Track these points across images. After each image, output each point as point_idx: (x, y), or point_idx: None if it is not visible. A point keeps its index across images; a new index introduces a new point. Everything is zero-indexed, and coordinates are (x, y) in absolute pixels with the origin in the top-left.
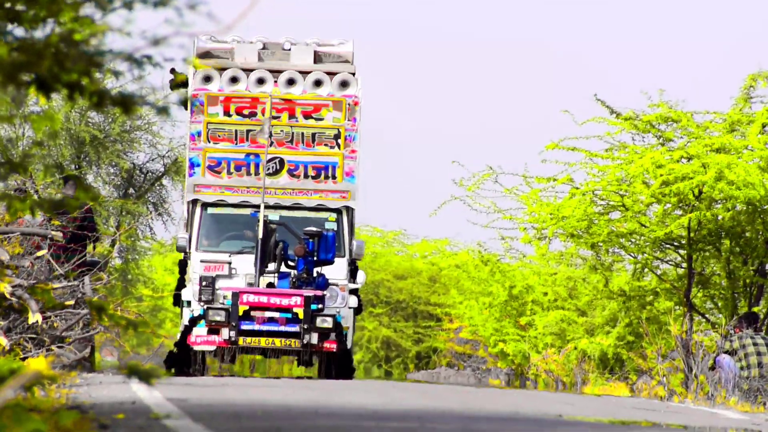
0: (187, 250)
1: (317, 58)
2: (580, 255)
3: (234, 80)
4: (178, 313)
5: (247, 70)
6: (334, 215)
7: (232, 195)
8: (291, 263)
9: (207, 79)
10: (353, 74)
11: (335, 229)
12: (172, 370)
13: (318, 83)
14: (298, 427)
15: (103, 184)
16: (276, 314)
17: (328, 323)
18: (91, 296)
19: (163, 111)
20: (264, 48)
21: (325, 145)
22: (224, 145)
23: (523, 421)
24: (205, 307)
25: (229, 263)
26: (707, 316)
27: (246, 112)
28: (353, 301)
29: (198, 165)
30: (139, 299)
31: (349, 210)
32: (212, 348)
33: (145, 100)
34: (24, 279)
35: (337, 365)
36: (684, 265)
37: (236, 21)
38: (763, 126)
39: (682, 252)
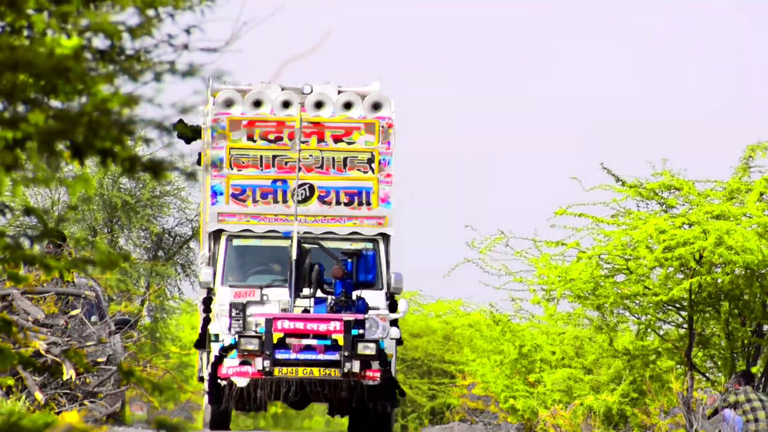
0: (212, 286)
1: (347, 106)
2: (587, 315)
3: (257, 104)
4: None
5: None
6: (369, 244)
7: (259, 224)
8: (328, 287)
9: (228, 103)
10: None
11: (383, 256)
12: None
13: (348, 105)
14: None
15: (133, 247)
16: (314, 341)
17: (371, 350)
18: (122, 354)
19: (191, 176)
20: (283, 90)
21: (358, 169)
22: (249, 171)
23: None
24: (237, 336)
25: (261, 288)
26: (707, 374)
27: (271, 136)
28: (395, 332)
29: (221, 193)
30: (167, 356)
31: (386, 238)
32: (245, 381)
33: (174, 165)
34: (59, 337)
35: (382, 396)
36: (685, 326)
37: (267, 85)
38: (761, 194)
39: (683, 313)
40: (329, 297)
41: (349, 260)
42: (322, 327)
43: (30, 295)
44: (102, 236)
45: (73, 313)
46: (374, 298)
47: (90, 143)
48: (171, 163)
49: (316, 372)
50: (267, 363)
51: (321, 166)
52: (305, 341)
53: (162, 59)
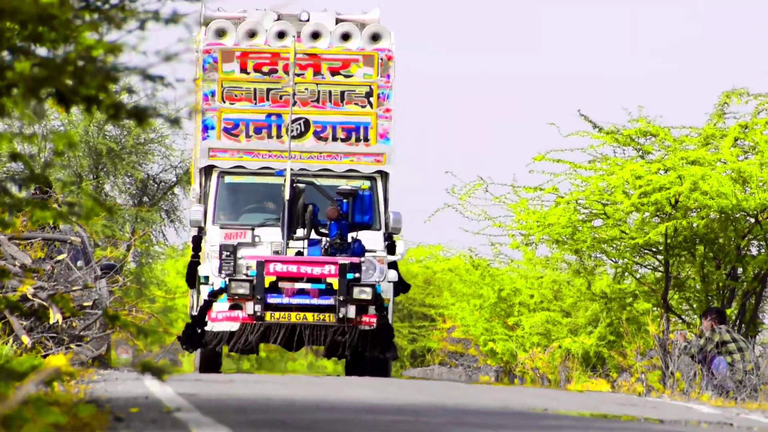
0: (203, 225)
1: (344, 37)
2: (565, 260)
3: (251, 34)
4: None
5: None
6: (367, 182)
7: (252, 160)
8: (322, 229)
9: (221, 33)
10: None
11: (381, 195)
12: (189, 352)
13: (346, 36)
14: (301, 420)
15: (119, 193)
16: (307, 285)
17: (366, 294)
18: (108, 298)
19: (175, 123)
20: (278, 19)
21: (356, 103)
22: (242, 105)
23: (511, 414)
24: (227, 279)
25: (252, 230)
26: (683, 317)
27: (265, 68)
28: (392, 275)
29: (213, 127)
30: (152, 300)
31: (384, 176)
32: (235, 326)
33: (158, 112)
34: (45, 282)
35: (377, 342)
36: (661, 269)
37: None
38: (736, 140)
39: (659, 257)
40: (324, 239)
41: (345, 200)
42: (316, 270)
43: (17, 241)
44: (88, 182)
45: (60, 258)
46: (372, 239)
47: (75, 90)
48: (155, 109)
49: (310, 317)
50: (258, 307)
51: (317, 100)
52: (298, 285)
53: (146, 8)
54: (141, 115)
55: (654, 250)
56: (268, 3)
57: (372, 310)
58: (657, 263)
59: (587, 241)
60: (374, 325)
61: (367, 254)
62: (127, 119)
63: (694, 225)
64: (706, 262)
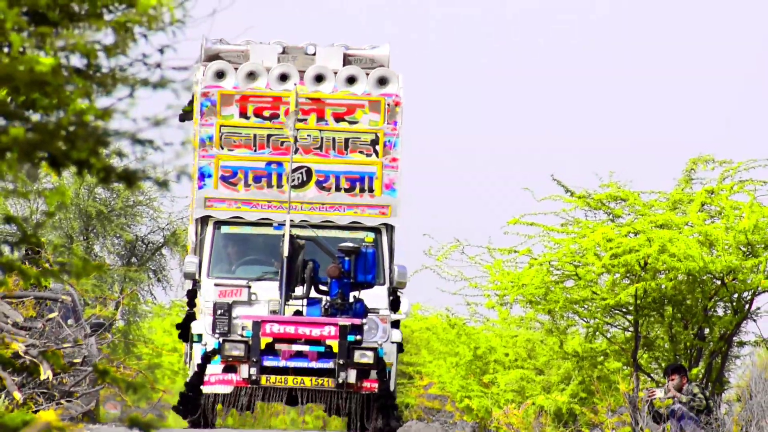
0: (197, 277)
1: (347, 63)
2: (538, 319)
3: (252, 76)
4: (178, 369)
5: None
6: (371, 235)
7: (251, 211)
8: (323, 287)
9: (220, 75)
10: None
11: (375, 246)
12: (186, 421)
13: (352, 80)
14: None
15: (108, 254)
16: (305, 347)
17: (368, 358)
18: (97, 355)
19: (163, 185)
20: (284, 52)
21: (361, 152)
22: (241, 152)
23: None
24: (221, 339)
25: (249, 287)
26: (652, 375)
27: (266, 113)
28: (396, 335)
29: (209, 175)
30: (139, 358)
31: (389, 228)
32: (229, 389)
33: (147, 175)
34: (37, 339)
35: (378, 410)
36: (631, 329)
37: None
38: (702, 204)
39: (629, 317)
40: (324, 298)
41: (347, 258)
42: (315, 332)
43: (9, 299)
44: (78, 243)
45: (51, 316)
46: (375, 294)
47: (67, 154)
48: (144, 172)
49: (308, 381)
50: (254, 370)
51: (320, 148)
52: (296, 347)
53: (136, 75)
54: (131, 178)
55: (624, 310)
56: (271, 35)
57: (374, 374)
58: (627, 323)
59: (560, 301)
60: (376, 390)
61: (370, 314)
62: (117, 182)
63: (663, 286)
64: (674, 322)
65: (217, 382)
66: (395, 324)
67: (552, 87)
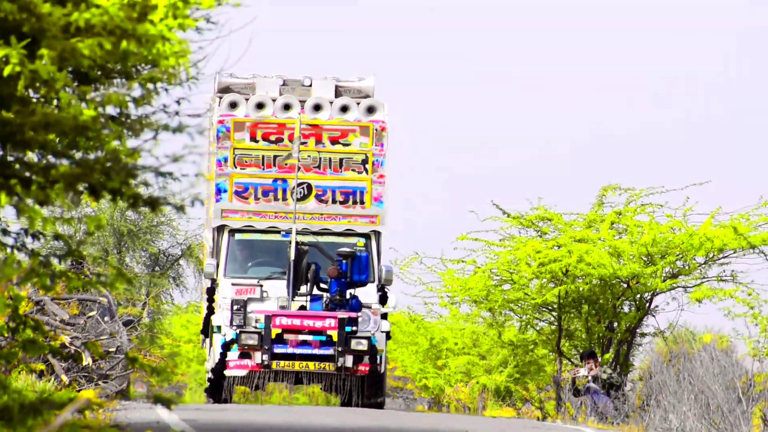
0: (215, 277)
1: (338, 93)
2: (482, 315)
3: (260, 106)
4: (193, 357)
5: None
6: (362, 240)
7: (260, 220)
8: (323, 285)
9: (233, 105)
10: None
11: (367, 250)
12: (212, 399)
13: (344, 109)
14: None
15: (136, 264)
16: (309, 337)
17: (363, 345)
18: (128, 345)
19: (180, 209)
20: (284, 84)
21: (353, 170)
22: (252, 170)
23: None
24: (238, 330)
25: (261, 286)
26: (572, 360)
27: (273, 138)
28: (385, 325)
29: (225, 191)
30: (162, 347)
31: (378, 235)
32: (244, 372)
33: (167, 201)
34: (79, 333)
35: (369, 389)
36: (555, 323)
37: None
38: (612, 223)
39: (554, 314)
40: (325, 295)
41: (344, 261)
42: (318, 323)
43: (57, 301)
44: (113, 256)
45: (91, 314)
46: (366, 291)
47: (103, 185)
48: (165, 199)
49: (312, 366)
50: (266, 357)
51: (318, 167)
52: (302, 337)
53: (159, 121)
54: (154, 203)
55: (550, 308)
56: (274, 69)
57: (367, 359)
58: (552, 318)
59: (498, 301)
60: (367, 372)
61: (363, 308)
62: (144, 206)
63: (580, 289)
64: (590, 317)
65: (235, 367)
66: (384, 316)
67: (490, 121)
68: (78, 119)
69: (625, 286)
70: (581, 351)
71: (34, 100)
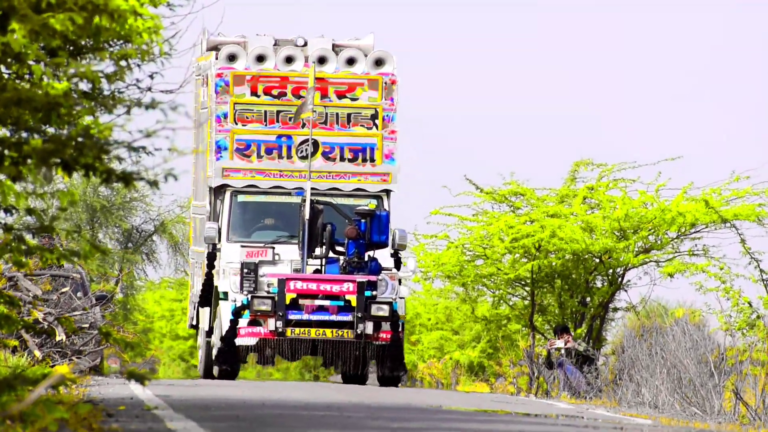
0: (216, 242)
1: (336, 52)
2: (455, 291)
3: (261, 59)
4: (166, 332)
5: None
6: (374, 201)
7: (264, 179)
8: (339, 248)
9: (231, 57)
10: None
11: (386, 210)
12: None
13: (351, 61)
14: (251, 415)
15: (110, 240)
16: (326, 302)
17: (384, 311)
18: (101, 321)
19: (154, 184)
20: (276, 44)
21: (362, 125)
22: (253, 126)
23: (414, 410)
24: (249, 296)
25: (273, 248)
26: (545, 335)
27: (275, 92)
28: (404, 290)
29: (225, 148)
30: (135, 323)
31: (390, 194)
32: (256, 341)
33: (140, 176)
34: (52, 308)
35: (391, 358)
36: (528, 298)
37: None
38: (584, 199)
39: (527, 289)
40: (341, 258)
41: (362, 221)
42: (335, 288)
43: (30, 277)
44: (86, 231)
45: (63, 290)
46: (381, 255)
47: (76, 160)
48: (138, 174)
49: (329, 333)
50: (279, 324)
51: (325, 122)
52: (318, 302)
53: (131, 98)
54: (127, 178)
55: (523, 283)
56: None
57: (387, 326)
58: (525, 293)
59: (471, 276)
60: (389, 340)
61: (382, 272)
62: (117, 182)
63: (553, 264)
64: (563, 292)
65: (247, 335)
66: (400, 282)
67: (461, 97)
68: (50, 95)
69: (598, 261)
70: (554, 326)
71: (6, 76)
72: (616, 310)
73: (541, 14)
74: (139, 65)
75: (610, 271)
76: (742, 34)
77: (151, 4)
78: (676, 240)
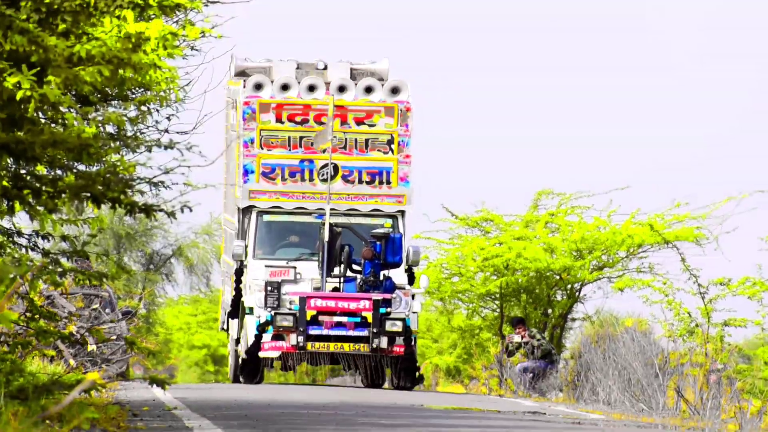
0: (243, 258)
1: (353, 75)
2: (434, 304)
3: (285, 88)
4: (183, 342)
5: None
6: (389, 221)
7: (288, 201)
8: (356, 267)
9: (258, 86)
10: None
11: (401, 231)
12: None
13: (369, 90)
14: (258, 413)
15: (133, 263)
16: (344, 318)
17: (397, 326)
18: (126, 333)
19: (171, 215)
20: (298, 68)
21: (379, 150)
22: (278, 151)
23: (399, 408)
24: (273, 312)
25: (294, 268)
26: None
27: (298, 119)
28: (417, 305)
29: (252, 171)
30: (156, 335)
31: (403, 214)
32: (278, 354)
33: (159, 208)
34: (84, 322)
35: (404, 369)
36: (498, 310)
37: (219, 156)
38: (546, 223)
39: (496, 302)
40: (358, 277)
41: (378, 242)
42: (353, 305)
43: (65, 295)
44: (113, 256)
45: (94, 306)
46: (396, 272)
47: (104, 194)
48: (158, 206)
49: (347, 347)
50: (301, 338)
51: (344, 147)
52: (336, 318)
53: (151, 138)
54: (148, 210)
55: (493, 297)
56: (289, 53)
57: (400, 340)
58: (495, 306)
59: (448, 291)
60: (402, 354)
61: (396, 290)
62: (139, 213)
63: (519, 280)
64: (528, 305)
65: (270, 349)
66: (413, 297)
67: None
68: (81, 137)
69: (558, 277)
70: (512, 318)
71: (43, 121)
72: (574, 320)
73: (508, 55)
74: (158, 110)
75: (569, 286)
76: (676, 86)
77: (169, 57)
78: (625, 259)
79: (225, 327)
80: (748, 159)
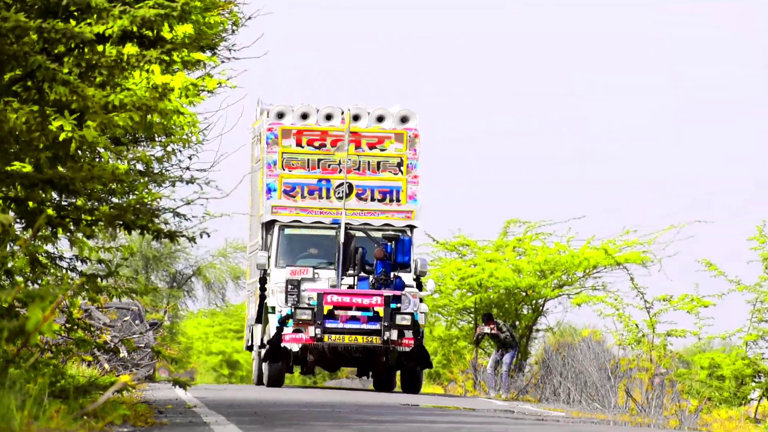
0: (266, 268)
1: (379, 119)
2: None
3: (304, 116)
4: (202, 349)
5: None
6: (399, 234)
7: (307, 216)
8: (369, 267)
9: (280, 115)
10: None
11: (409, 236)
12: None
13: (381, 118)
14: (266, 410)
15: (159, 281)
16: (358, 313)
17: (406, 320)
18: (153, 342)
19: (192, 240)
20: (327, 118)
21: (390, 171)
22: (298, 171)
23: (388, 407)
24: (293, 307)
25: (313, 267)
26: (485, 349)
27: (316, 143)
28: (424, 307)
29: (275, 190)
30: (179, 344)
31: (413, 229)
32: (298, 346)
33: (182, 234)
34: (117, 333)
35: (413, 361)
36: (473, 322)
37: (234, 189)
38: (514, 247)
39: (472, 315)
40: (371, 275)
41: (389, 244)
42: (366, 301)
43: (101, 309)
44: (141, 275)
45: (125, 319)
46: (405, 278)
47: (134, 222)
48: (180, 233)
49: (360, 339)
50: (318, 331)
51: (358, 169)
52: (351, 313)
53: (175, 175)
54: (172, 236)
55: (469, 311)
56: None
57: (410, 333)
58: (470, 319)
59: (429, 306)
60: (411, 346)
61: (406, 288)
62: (164, 238)
63: (491, 297)
64: (498, 318)
65: (290, 341)
66: (421, 300)
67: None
68: (115, 173)
69: (524, 294)
70: (482, 313)
71: (82, 159)
72: (538, 330)
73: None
74: (180, 150)
75: (534, 301)
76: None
77: (190, 104)
78: (582, 278)
79: (249, 344)
80: (685, 193)
